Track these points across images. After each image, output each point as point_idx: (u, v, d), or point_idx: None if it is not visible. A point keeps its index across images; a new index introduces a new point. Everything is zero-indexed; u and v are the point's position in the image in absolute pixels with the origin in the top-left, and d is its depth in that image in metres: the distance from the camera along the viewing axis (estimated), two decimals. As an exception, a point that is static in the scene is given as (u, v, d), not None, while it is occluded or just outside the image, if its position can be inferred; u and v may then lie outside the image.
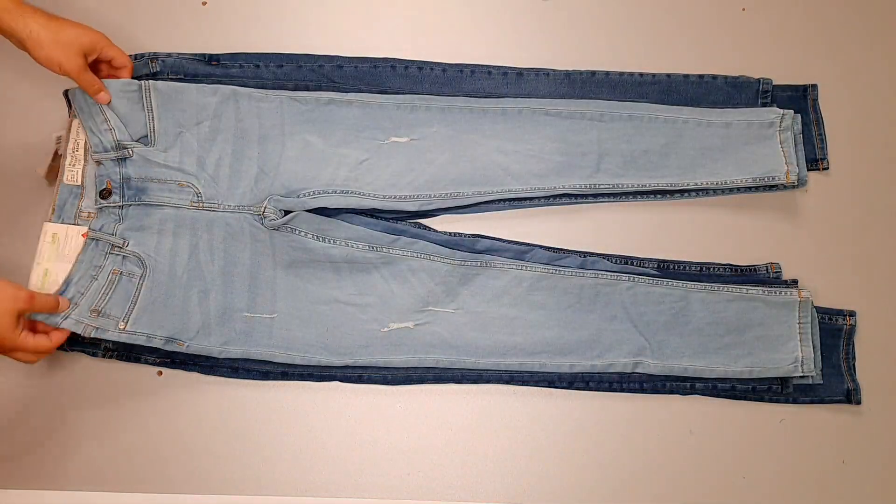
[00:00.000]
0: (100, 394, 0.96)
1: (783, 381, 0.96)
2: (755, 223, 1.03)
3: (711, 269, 1.01)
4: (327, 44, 1.05)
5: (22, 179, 0.98)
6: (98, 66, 0.93)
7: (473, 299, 0.97)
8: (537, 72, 1.05)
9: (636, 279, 0.97)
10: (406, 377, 0.96)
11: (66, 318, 0.87)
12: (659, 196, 1.03)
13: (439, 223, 1.02)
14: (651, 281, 0.97)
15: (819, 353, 0.96)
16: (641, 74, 1.05)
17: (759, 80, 1.05)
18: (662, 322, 0.97)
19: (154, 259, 0.93)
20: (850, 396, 0.97)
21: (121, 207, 0.94)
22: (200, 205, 0.96)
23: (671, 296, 0.97)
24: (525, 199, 1.01)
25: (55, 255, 0.91)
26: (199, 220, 0.95)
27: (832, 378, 0.98)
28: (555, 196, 1.01)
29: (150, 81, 0.95)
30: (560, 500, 0.95)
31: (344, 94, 1.00)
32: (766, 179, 1.00)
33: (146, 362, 0.95)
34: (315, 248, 0.96)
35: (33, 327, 0.85)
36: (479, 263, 0.97)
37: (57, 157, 0.96)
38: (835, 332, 0.99)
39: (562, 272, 0.98)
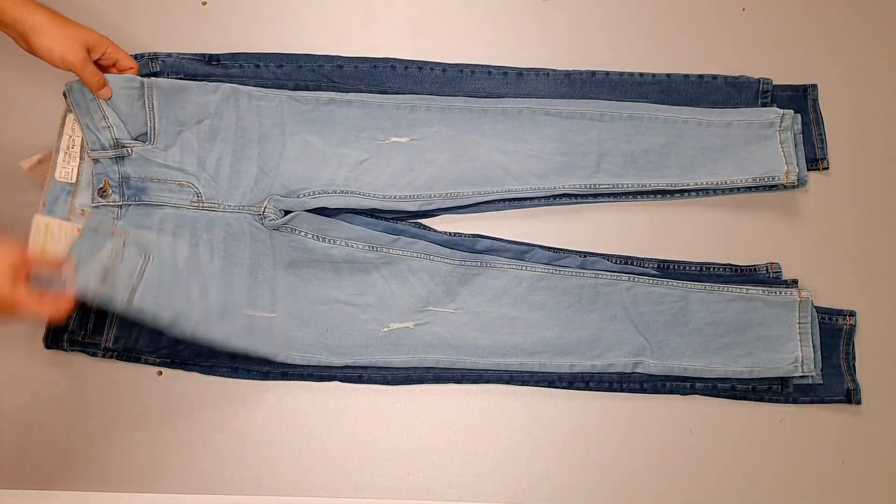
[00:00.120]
0: (100, 394, 0.96)
1: (783, 381, 0.96)
2: (755, 223, 1.03)
3: (711, 269, 1.01)
4: (327, 44, 1.05)
5: (22, 179, 0.98)
6: (100, 68, 0.93)
7: (473, 299, 0.97)
8: (537, 72, 1.05)
9: (636, 279, 0.97)
10: (406, 377, 0.96)
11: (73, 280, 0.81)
12: (659, 196, 1.03)
13: (439, 223, 1.02)
14: (651, 281, 0.97)
15: (819, 353, 0.96)
16: (641, 74, 1.05)
17: (759, 80, 1.05)
18: (662, 322, 0.97)
19: (155, 252, 0.91)
20: (850, 396, 0.97)
21: (119, 206, 0.94)
22: (200, 205, 0.96)
23: (671, 296, 0.97)
24: (525, 199, 1.01)
25: (50, 243, 0.88)
26: (199, 220, 0.95)
27: (832, 378, 0.98)
28: (555, 196, 1.01)
29: (152, 79, 0.95)
30: (560, 500, 0.95)
31: (344, 94, 1.00)
32: (766, 179, 1.00)
33: (146, 362, 0.95)
34: (315, 248, 0.96)
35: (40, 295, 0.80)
36: (479, 263, 0.97)
37: (44, 161, 0.94)
38: (835, 332, 0.99)
39: (562, 272, 0.98)
